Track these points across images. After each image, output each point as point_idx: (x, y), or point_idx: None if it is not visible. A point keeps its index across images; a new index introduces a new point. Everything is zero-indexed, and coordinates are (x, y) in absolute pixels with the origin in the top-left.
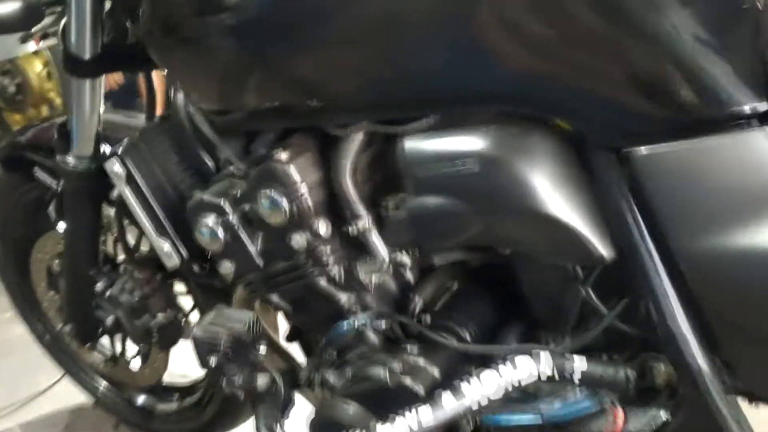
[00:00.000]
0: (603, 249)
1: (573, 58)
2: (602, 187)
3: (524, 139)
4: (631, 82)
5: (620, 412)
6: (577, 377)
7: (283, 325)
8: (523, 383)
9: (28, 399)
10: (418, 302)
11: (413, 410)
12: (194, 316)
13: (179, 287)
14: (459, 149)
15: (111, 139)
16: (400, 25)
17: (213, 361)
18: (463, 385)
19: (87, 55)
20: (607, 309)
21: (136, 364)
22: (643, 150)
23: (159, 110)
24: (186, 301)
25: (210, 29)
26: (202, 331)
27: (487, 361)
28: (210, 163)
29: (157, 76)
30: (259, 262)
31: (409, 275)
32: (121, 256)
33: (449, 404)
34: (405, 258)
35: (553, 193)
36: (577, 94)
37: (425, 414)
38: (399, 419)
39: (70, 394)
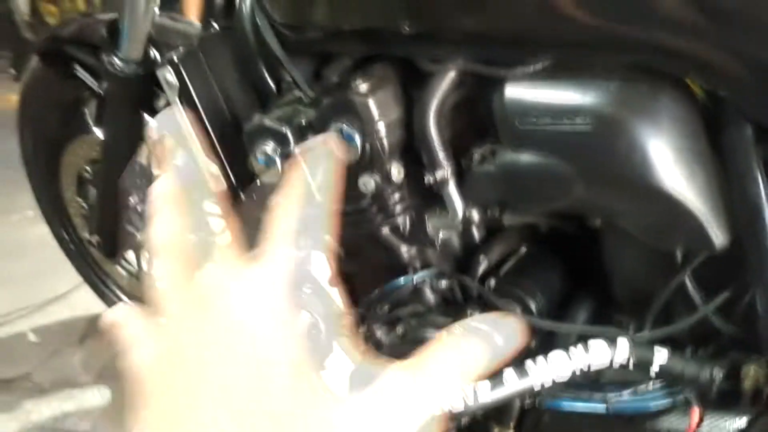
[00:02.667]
0: (719, 235)
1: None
2: (732, 165)
3: (651, 100)
4: None
5: (697, 413)
6: (654, 369)
7: None
8: (593, 368)
9: (43, 304)
10: (483, 264)
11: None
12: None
13: None
14: (570, 102)
15: (160, 44)
16: None
17: None
18: (529, 363)
19: None
20: (702, 300)
21: None
22: None
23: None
24: None
25: None
26: None
27: (552, 337)
28: (272, 85)
29: None
30: None
31: (476, 234)
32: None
33: (511, 381)
34: (475, 215)
35: (675, 167)
36: (737, 53)
37: (483, 388)
38: None
39: (87, 303)
